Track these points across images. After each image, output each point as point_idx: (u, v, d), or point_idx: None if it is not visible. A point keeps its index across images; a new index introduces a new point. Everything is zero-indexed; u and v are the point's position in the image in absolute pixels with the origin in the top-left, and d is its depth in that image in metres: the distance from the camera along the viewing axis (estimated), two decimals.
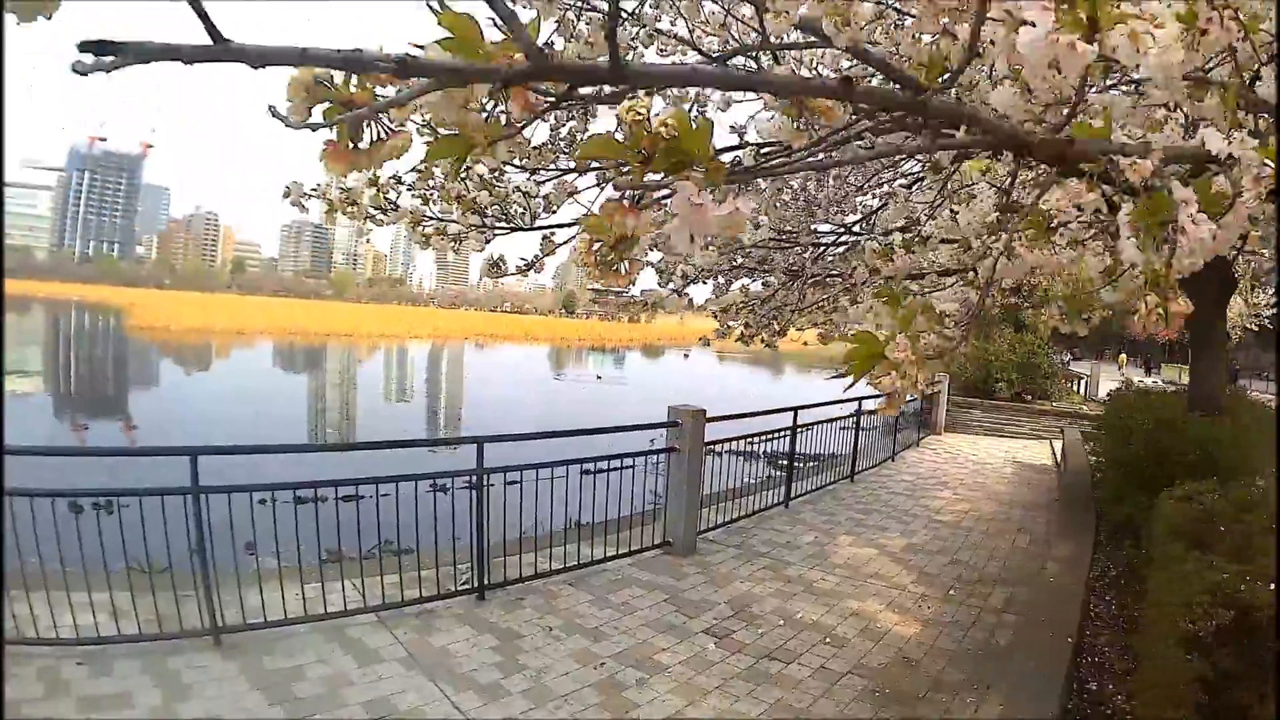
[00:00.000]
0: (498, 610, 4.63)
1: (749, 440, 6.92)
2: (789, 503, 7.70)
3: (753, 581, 5.47)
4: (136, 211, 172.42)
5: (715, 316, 5.39)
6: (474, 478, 4.54)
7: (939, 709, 3.83)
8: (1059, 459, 11.20)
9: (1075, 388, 16.78)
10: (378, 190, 2.97)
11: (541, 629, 4.41)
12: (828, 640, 4.56)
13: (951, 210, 2.75)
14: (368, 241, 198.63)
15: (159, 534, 3.75)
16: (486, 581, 4.73)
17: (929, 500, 8.57)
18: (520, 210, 3.30)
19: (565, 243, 2.97)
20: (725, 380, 36.17)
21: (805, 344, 6.51)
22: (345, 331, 54.96)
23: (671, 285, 4.59)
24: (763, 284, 5.47)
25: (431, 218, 3.11)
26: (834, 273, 4.83)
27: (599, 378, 34.89)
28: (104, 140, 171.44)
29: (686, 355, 54.23)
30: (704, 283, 5.53)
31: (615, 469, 5.33)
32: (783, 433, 7.40)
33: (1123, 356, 31.12)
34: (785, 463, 7.59)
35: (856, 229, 4.91)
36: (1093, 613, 5.18)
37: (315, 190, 2.96)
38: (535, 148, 3.21)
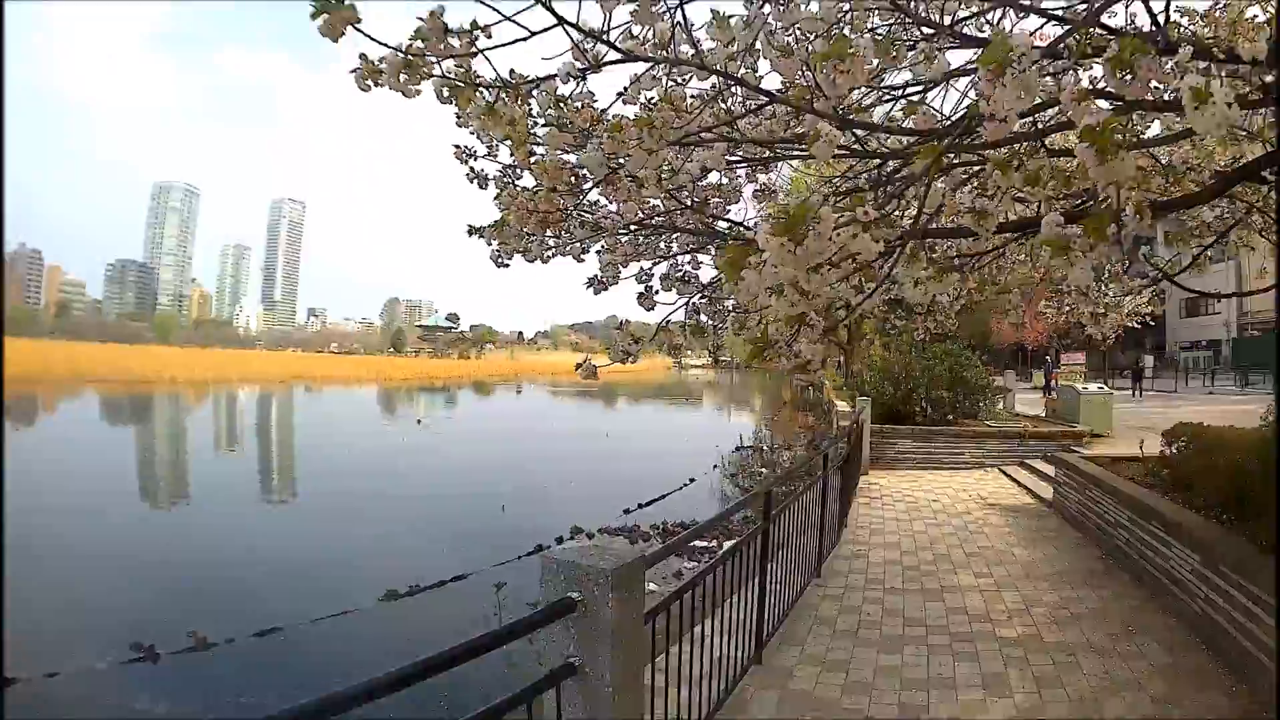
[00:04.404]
0: None
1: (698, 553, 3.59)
2: (762, 651, 4.42)
3: None
4: None
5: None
6: None
7: None
8: (1052, 496, 8.84)
9: (1000, 403, 14.97)
10: None
11: None
12: None
13: None
14: (194, 280, 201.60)
15: None
16: None
17: (954, 597, 5.62)
18: None
19: None
20: (574, 419, 33.80)
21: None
22: (171, 378, 52.97)
23: None
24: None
25: None
26: None
27: (419, 422, 31.31)
28: None
29: (519, 391, 56.59)
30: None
31: None
32: (746, 536, 4.12)
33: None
34: (755, 587, 4.27)
35: None
36: None
37: None
38: None
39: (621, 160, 2.17)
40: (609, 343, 3.24)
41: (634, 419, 36.92)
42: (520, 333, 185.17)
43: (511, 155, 2.60)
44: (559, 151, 2.29)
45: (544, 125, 2.20)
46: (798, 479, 6.15)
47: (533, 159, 2.36)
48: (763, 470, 16.87)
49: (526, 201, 2.58)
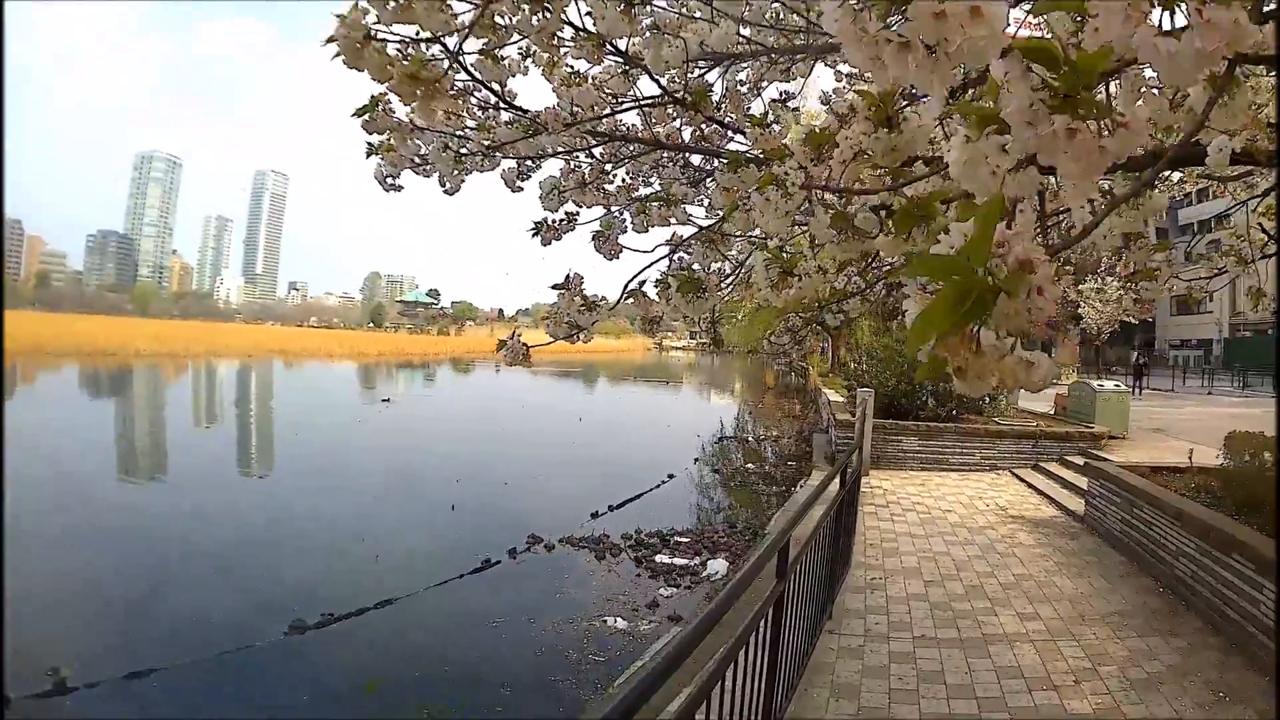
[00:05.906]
0: None
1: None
2: None
3: None
4: None
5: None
6: None
7: None
8: (1084, 509, 7.77)
9: (1004, 399, 13.86)
10: None
11: None
12: None
13: None
14: (174, 252, 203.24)
15: None
16: None
17: (1002, 650, 4.51)
18: None
19: None
20: (550, 401, 32.16)
21: None
22: (136, 351, 50.81)
23: None
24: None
25: None
26: None
27: (386, 401, 29.47)
28: None
29: (498, 369, 54.51)
30: None
31: None
32: (758, 610, 2.93)
33: None
34: (763, 659, 3.10)
35: None
36: None
37: None
38: None
39: None
40: (551, 312, 2.09)
41: (612, 401, 35.67)
42: (500, 310, 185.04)
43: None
44: None
45: None
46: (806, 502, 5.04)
47: None
48: (749, 466, 15.81)
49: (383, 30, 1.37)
